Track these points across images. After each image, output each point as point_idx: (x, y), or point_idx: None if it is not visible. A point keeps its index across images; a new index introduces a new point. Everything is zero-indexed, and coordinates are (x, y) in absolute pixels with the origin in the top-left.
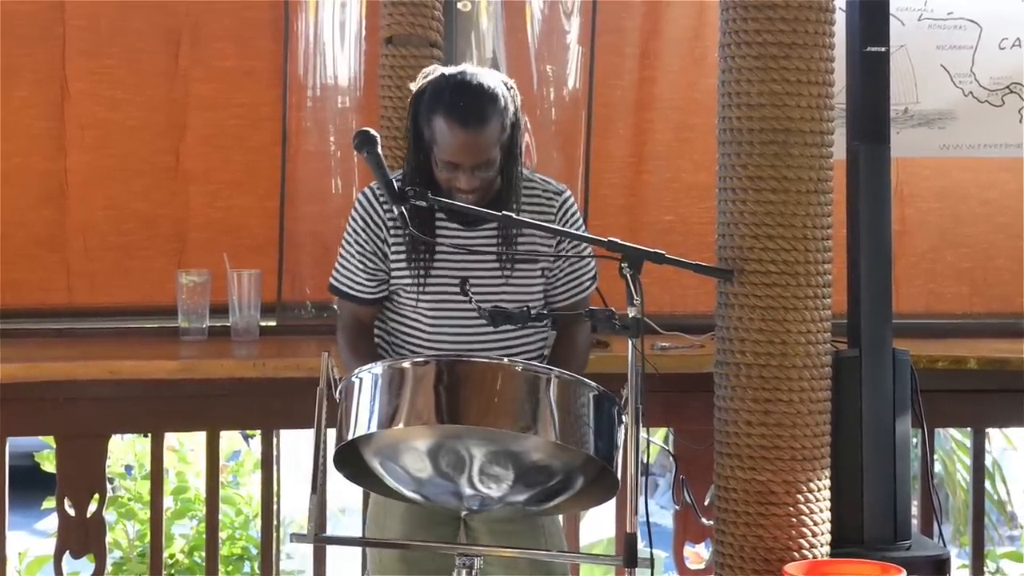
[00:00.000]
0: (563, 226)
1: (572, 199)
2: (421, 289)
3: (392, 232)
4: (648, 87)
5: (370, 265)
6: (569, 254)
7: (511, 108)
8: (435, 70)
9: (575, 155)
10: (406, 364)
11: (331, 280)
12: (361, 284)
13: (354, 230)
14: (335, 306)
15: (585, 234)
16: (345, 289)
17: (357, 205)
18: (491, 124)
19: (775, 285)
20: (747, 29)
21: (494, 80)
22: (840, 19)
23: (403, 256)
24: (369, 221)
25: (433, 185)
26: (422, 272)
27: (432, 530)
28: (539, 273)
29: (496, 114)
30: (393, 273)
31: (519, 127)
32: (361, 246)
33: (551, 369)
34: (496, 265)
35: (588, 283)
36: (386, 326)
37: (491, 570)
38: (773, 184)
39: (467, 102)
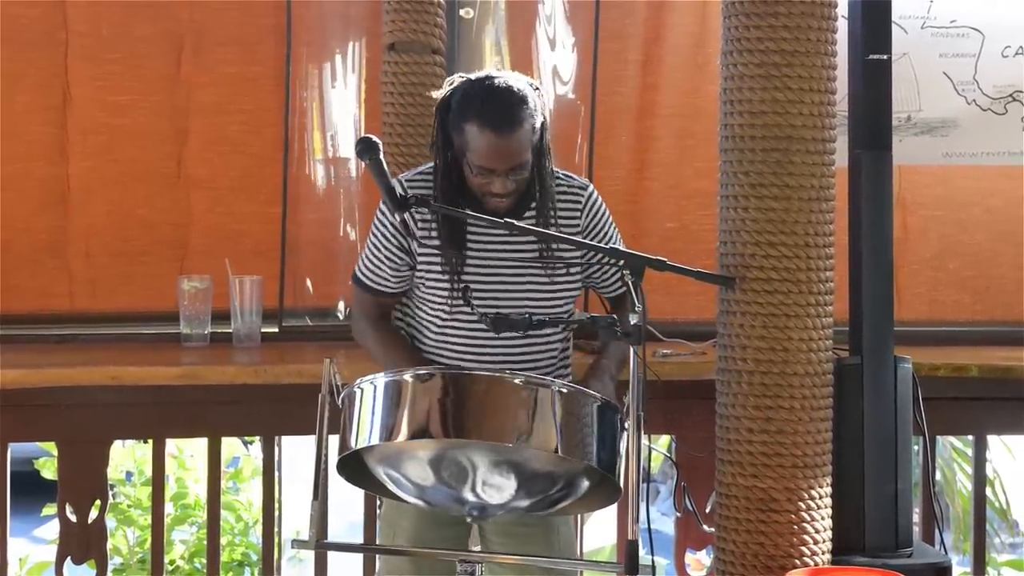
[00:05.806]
0: (590, 219)
1: (596, 193)
2: (452, 295)
3: (420, 227)
4: (650, 94)
5: (397, 261)
6: (598, 246)
7: (540, 109)
8: (460, 76)
9: (577, 162)
10: (408, 376)
11: (356, 271)
12: (386, 279)
13: (382, 224)
14: (339, 314)
15: (587, 241)
16: (370, 283)
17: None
18: (523, 128)
19: (777, 292)
20: (749, 36)
21: (521, 83)
22: (842, 26)
23: (432, 256)
24: (397, 219)
25: (464, 190)
26: (457, 279)
27: (444, 529)
28: (568, 274)
29: (527, 117)
30: (420, 268)
31: (547, 127)
32: (388, 240)
33: (553, 381)
34: (528, 266)
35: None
36: (413, 318)
37: (501, 570)
38: (775, 191)
39: (498, 107)
